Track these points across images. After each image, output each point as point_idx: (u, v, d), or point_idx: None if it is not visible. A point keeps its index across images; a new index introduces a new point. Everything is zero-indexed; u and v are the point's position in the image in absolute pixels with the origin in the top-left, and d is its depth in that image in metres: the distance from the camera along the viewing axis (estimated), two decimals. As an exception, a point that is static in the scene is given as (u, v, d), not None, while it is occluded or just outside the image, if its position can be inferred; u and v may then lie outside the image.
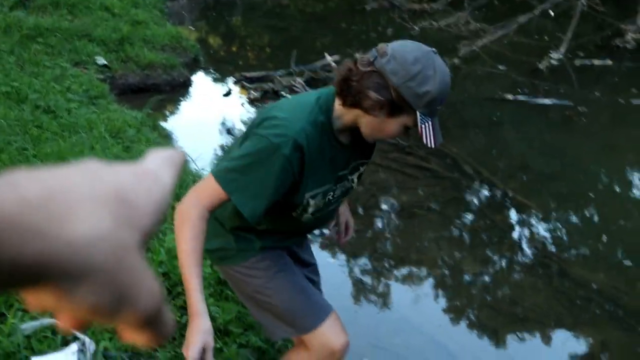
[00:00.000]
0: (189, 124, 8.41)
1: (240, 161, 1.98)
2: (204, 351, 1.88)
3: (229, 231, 2.30)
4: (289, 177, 1.97)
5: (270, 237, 2.33)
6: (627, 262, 5.00)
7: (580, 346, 3.94)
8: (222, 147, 7.20)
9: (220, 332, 3.08)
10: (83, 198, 0.39)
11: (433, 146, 1.94)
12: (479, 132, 7.85)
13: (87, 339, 1.58)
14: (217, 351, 2.86)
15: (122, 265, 0.40)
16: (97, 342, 2.71)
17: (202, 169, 5.85)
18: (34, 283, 0.37)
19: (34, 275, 0.37)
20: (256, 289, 2.36)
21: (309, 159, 1.99)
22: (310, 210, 2.17)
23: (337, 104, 2.03)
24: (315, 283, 2.66)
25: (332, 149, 2.09)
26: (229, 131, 8.55)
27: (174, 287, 3.42)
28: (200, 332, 1.88)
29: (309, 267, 2.64)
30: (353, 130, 2.08)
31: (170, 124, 8.34)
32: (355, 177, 2.32)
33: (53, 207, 0.38)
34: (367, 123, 2.00)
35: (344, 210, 2.66)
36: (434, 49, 1.93)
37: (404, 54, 1.87)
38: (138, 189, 0.44)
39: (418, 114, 1.90)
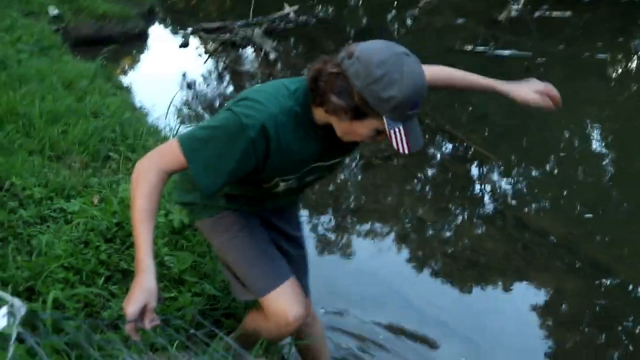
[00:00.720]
0: (144, 75, 8.26)
1: (206, 131, 1.94)
2: (145, 309, 1.83)
3: (199, 188, 2.24)
4: (250, 159, 1.92)
5: (237, 200, 2.28)
6: (585, 214, 5.04)
7: (537, 293, 3.96)
8: (177, 99, 7.08)
9: (175, 281, 3.02)
10: None
11: (406, 152, 1.82)
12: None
13: (16, 301, 1.51)
14: (171, 300, 2.81)
15: None
16: (47, 293, 2.64)
17: (157, 119, 5.76)
18: None
19: None
20: (218, 246, 2.35)
21: (275, 147, 1.93)
22: (282, 188, 2.14)
23: (311, 102, 1.95)
24: (290, 255, 2.48)
25: (307, 141, 2.01)
26: (185, 82, 8.43)
27: (128, 237, 3.35)
28: (143, 290, 1.82)
29: (287, 237, 2.52)
30: (332, 126, 1.98)
31: (125, 75, 8.16)
32: (337, 165, 2.25)
33: None
34: (337, 124, 1.92)
35: (525, 93, 2.48)
36: (406, 51, 1.80)
37: (369, 56, 1.76)
38: None
39: (385, 118, 1.79)
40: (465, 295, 3.89)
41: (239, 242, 2.29)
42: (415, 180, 5.72)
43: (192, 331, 2.29)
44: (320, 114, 1.94)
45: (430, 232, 4.77)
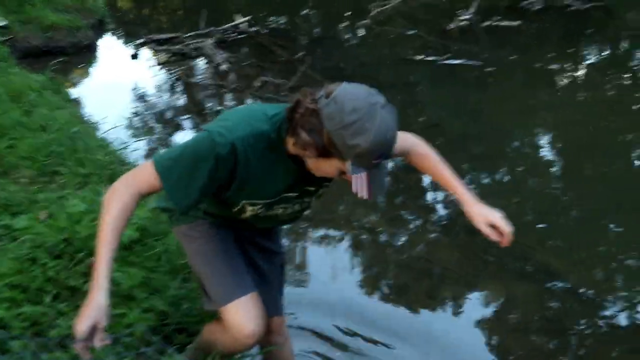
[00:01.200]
0: (94, 87, 8.16)
1: (179, 150, 2.00)
2: (95, 328, 1.82)
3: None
4: (217, 178, 1.97)
5: (213, 216, 2.32)
6: (538, 221, 5.10)
7: (489, 301, 4.00)
8: (128, 112, 7.01)
9: (125, 297, 2.99)
10: None
11: (366, 197, 1.86)
12: (394, 93, 7.85)
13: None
14: (120, 316, 2.77)
15: None
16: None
17: (107, 131, 5.69)
18: None
19: None
20: (191, 253, 2.40)
21: (243, 167, 1.97)
22: (248, 214, 2.17)
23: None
24: (262, 270, 2.48)
25: (277, 167, 2.04)
26: (136, 94, 8.35)
27: (76, 253, 3.29)
28: (93, 308, 1.84)
29: (262, 250, 2.51)
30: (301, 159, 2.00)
31: (75, 87, 8.06)
32: (312, 198, 2.27)
33: None
34: (306, 157, 1.95)
35: (479, 212, 2.42)
36: (383, 103, 1.82)
37: (344, 100, 1.77)
38: None
39: (349, 164, 1.82)
40: (417, 303, 3.91)
41: (206, 250, 2.33)
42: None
43: (142, 349, 2.27)
44: (291, 145, 1.95)
45: (383, 240, 4.80)
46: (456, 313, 3.84)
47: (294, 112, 1.88)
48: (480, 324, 3.72)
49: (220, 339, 2.35)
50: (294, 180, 2.10)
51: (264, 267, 2.50)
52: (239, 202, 2.11)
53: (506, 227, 2.36)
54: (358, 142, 1.75)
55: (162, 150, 2.00)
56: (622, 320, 3.82)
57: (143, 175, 2.00)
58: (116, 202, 1.95)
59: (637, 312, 3.88)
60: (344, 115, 1.76)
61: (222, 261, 2.32)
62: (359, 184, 1.84)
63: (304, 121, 1.84)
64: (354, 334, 3.59)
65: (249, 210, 2.14)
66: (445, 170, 2.48)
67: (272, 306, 2.47)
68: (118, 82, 8.41)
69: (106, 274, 1.89)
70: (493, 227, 2.36)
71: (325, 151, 1.84)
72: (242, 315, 2.22)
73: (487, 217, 2.37)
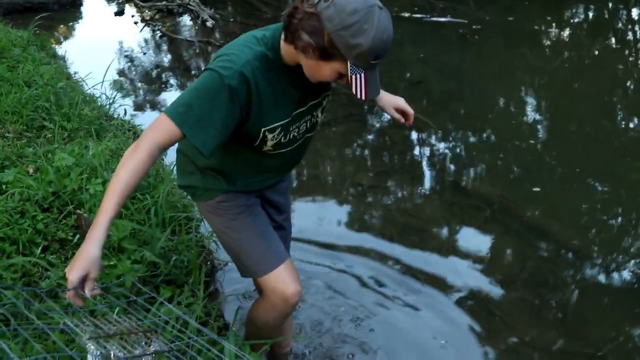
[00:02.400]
0: (79, 44, 8.08)
1: (190, 95, 2.01)
2: (86, 277, 1.85)
3: (199, 169, 2.35)
4: (236, 108, 2.00)
5: (239, 180, 2.36)
6: (522, 179, 5.15)
7: (475, 256, 4.04)
8: (114, 68, 6.95)
9: (114, 249, 3.02)
10: None
11: (363, 98, 1.96)
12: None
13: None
14: (111, 267, 2.80)
15: None
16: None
17: (93, 88, 5.66)
18: None
19: None
20: (219, 227, 2.44)
21: (256, 92, 2.01)
22: (270, 143, 2.19)
23: (282, 39, 2.02)
24: (285, 230, 2.69)
25: (282, 84, 2.10)
26: (121, 51, 8.29)
27: (65, 206, 3.32)
28: (86, 258, 1.85)
29: (283, 214, 2.67)
30: (300, 67, 2.06)
31: (59, 43, 7.98)
32: (318, 112, 2.33)
33: None
34: (304, 62, 2.01)
35: (387, 101, 2.63)
36: (380, 5, 1.89)
37: (344, 3, 1.84)
38: None
39: (349, 63, 1.90)
40: (404, 258, 3.94)
41: (239, 224, 2.39)
42: (355, 146, 5.77)
43: (132, 297, 2.30)
44: (289, 52, 2.02)
45: (369, 197, 4.83)
46: (440, 268, 3.88)
47: (292, 18, 1.93)
48: (465, 278, 3.77)
49: (267, 309, 2.48)
50: (300, 93, 2.17)
51: (283, 223, 2.68)
52: (260, 132, 2.13)
53: (410, 109, 2.61)
54: (359, 42, 1.83)
55: (172, 102, 1.99)
56: (605, 275, 3.88)
57: (160, 128, 2.00)
58: (131, 159, 1.95)
59: (619, 268, 3.95)
60: (345, 17, 1.82)
61: (256, 233, 2.40)
62: (358, 84, 1.93)
63: (304, 24, 1.89)
64: (337, 290, 3.64)
65: (270, 140, 2.17)
66: None
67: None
68: (103, 39, 8.34)
69: (105, 227, 1.89)
70: (399, 111, 2.61)
71: (326, 53, 1.90)
72: (284, 279, 2.36)
73: (395, 103, 2.62)
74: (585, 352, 3.27)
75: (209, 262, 3.57)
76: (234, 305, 3.30)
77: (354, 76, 1.92)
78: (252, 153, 2.25)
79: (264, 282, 2.39)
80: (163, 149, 2.01)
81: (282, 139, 2.20)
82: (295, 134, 2.25)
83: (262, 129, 2.13)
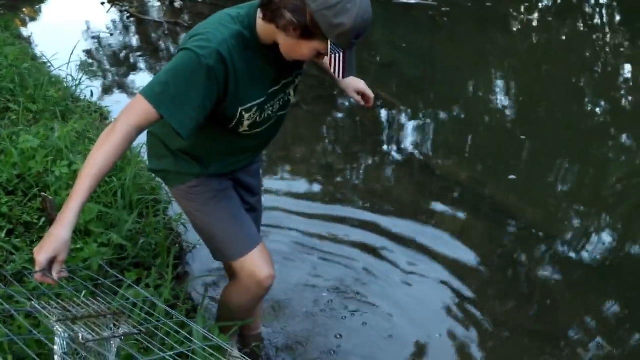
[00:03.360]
0: (45, 25, 7.96)
1: (166, 75, 1.97)
2: (54, 260, 1.83)
3: (171, 153, 2.32)
4: (213, 88, 1.98)
5: (213, 162, 2.34)
6: (492, 161, 5.19)
7: (445, 236, 4.05)
8: (80, 49, 6.85)
9: (81, 232, 2.99)
10: None
11: (341, 77, 1.98)
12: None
13: None
14: (77, 251, 2.77)
15: None
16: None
17: (59, 69, 5.58)
18: None
19: None
20: (192, 212, 2.42)
21: (233, 71, 2.00)
22: (246, 123, 2.17)
23: (259, 17, 2.01)
24: (257, 212, 2.70)
25: (258, 63, 2.08)
26: (87, 31, 8.18)
27: (30, 189, 3.27)
28: (56, 241, 1.84)
29: (255, 196, 2.67)
30: (276, 46, 2.05)
31: (24, 24, 7.86)
32: (291, 90, 2.33)
33: None
34: (283, 41, 1.99)
35: (348, 83, 2.65)
36: None
37: None
38: None
39: (330, 43, 1.90)
40: (372, 239, 3.95)
41: (211, 209, 2.38)
42: (324, 127, 5.76)
43: (100, 280, 2.28)
44: (267, 31, 2.01)
45: (339, 178, 4.83)
46: (409, 249, 3.89)
47: None
48: (435, 258, 3.79)
49: (240, 292, 2.49)
50: (275, 71, 2.16)
51: (255, 205, 2.68)
52: (237, 112, 2.12)
53: (370, 92, 2.66)
54: (342, 21, 1.84)
55: (148, 83, 1.96)
56: (574, 256, 3.92)
57: (136, 109, 1.96)
58: (107, 142, 1.92)
59: (588, 248, 3.98)
60: None
61: (229, 217, 2.39)
62: (337, 63, 1.94)
63: (286, 3, 1.88)
64: (308, 272, 3.64)
65: (246, 119, 2.16)
66: None
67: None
68: (69, 20, 8.21)
69: (76, 211, 1.87)
70: (360, 93, 2.66)
71: (307, 32, 1.90)
72: (258, 263, 2.37)
73: (356, 86, 2.66)
74: (554, 331, 3.32)
75: (177, 245, 3.55)
76: (203, 287, 3.29)
77: (333, 55, 1.92)
78: (227, 135, 2.23)
79: (237, 266, 2.39)
80: (140, 131, 1.98)
81: (258, 118, 2.19)
82: (270, 112, 2.25)
83: (239, 109, 2.11)
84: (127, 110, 1.97)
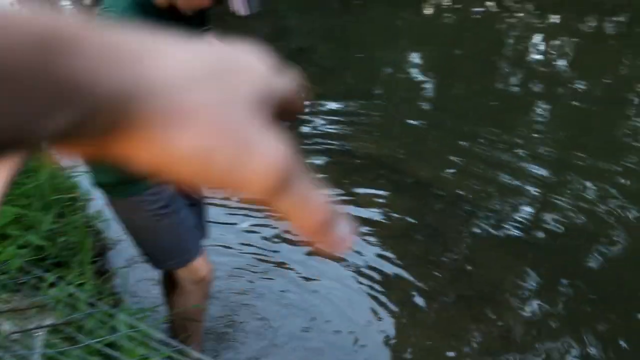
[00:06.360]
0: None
1: None
2: None
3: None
4: None
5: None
6: (411, 138, 5.27)
7: (369, 211, 4.10)
8: None
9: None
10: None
11: (242, 14, 1.96)
12: (260, 21, 7.82)
13: None
14: (-6, 254, 2.74)
15: (232, 109, 0.33)
16: None
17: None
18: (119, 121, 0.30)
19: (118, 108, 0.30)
20: (138, 224, 2.38)
21: None
22: None
23: None
24: (201, 205, 2.70)
25: (161, 27, 2.02)
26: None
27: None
28: None
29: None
30: (174, 8, 2.02)
31: None
32: None
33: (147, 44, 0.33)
34: None
35: None
36: None
37: None
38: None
39: None
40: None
41: (160, 220, 2.35)
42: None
43: (21, 279, 2.28)
44: None
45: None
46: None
47: None
48: (360, 234, 3.84)
49: (190, 297, 2.56)
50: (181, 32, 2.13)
51: (200, 200, 2.69)
52: None
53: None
54: None
55: None
56: (494, 225, 4.05)
57: None
58: None
59: (506, 218, 4.12)
60: None
61: (177, 228, 2.39)
62: (238, 1, 1.95)
63: None
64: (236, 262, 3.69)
65: None
66: None
67: (204, 230, 2.73)
68: None
69: None
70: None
71: None
72: (200, 265, 2.48)
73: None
74: (476, 294, 3.44)
75: (98, 242, 3.54)
76: (126, 281, 3.29)
77: None
78: None
79: (182, 273, 2.46)
80: None
81: None
82: None
83: None
84: None
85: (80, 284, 2.85)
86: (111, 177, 2.27)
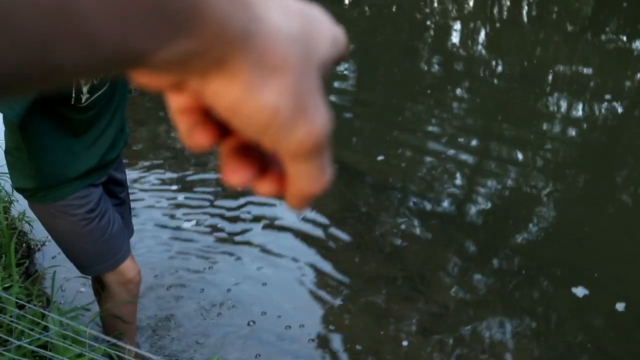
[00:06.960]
0: None
1: None
2: None
3: (37, 168, 2.12)
4: None
5: (82, 161, 2.17)
6: (331, 122, 5.30)
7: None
8: None
9: None
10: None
11: None
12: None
13: None
14: None
15: (307, 73, 0.35)
16: None
17: None
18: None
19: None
20: (65, 229, 2.29)
21: None
22: (85, 89, 1.99)
23: None
24: (126, 204, 2.65)
25: None
26: None
27: None
28: None
29: (125, 189, 2.61)
30: None
31: None
32: None
33: None
34: None
35: None
36: None
37: None
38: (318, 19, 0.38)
39: None
40: (227, 213, 3.97)
41: (86, 226, 2.27)
42: (166, 111, 5.67)
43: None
44: None
45: (192, 159, 4.77)
46: (261, 212, 3.96)
47: None
48: (286, 222, 3.87)
49: (118, 294, 2.50)
50: None
51: (125, 198, 2.63)
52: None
53: None
54: None
55: None
56: (419, 207, 4.11)
57: None
58: None
59: (431, 200, 4.19)
60: None
61: (104, 233, 2.32)
62: None
63: None
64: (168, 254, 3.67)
65: (84, 87, 1.99)
66: None
67: (130, 229, 2.70)
68: None
69: None
70: None
71: None
72: (127, 267, 2.44)
73: None
74: (401, 273, 3.49)
75: (24, 244, 3.46)
76: (54, 281, 3.23)
77: None
78: (76, 114, 2.07)
79: (109, 276, 2.42)
80: None
81: (95, 81, 2.02)
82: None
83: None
84: None
85: (8, 287, 2.79)
86: (31, 182, 2.17)
